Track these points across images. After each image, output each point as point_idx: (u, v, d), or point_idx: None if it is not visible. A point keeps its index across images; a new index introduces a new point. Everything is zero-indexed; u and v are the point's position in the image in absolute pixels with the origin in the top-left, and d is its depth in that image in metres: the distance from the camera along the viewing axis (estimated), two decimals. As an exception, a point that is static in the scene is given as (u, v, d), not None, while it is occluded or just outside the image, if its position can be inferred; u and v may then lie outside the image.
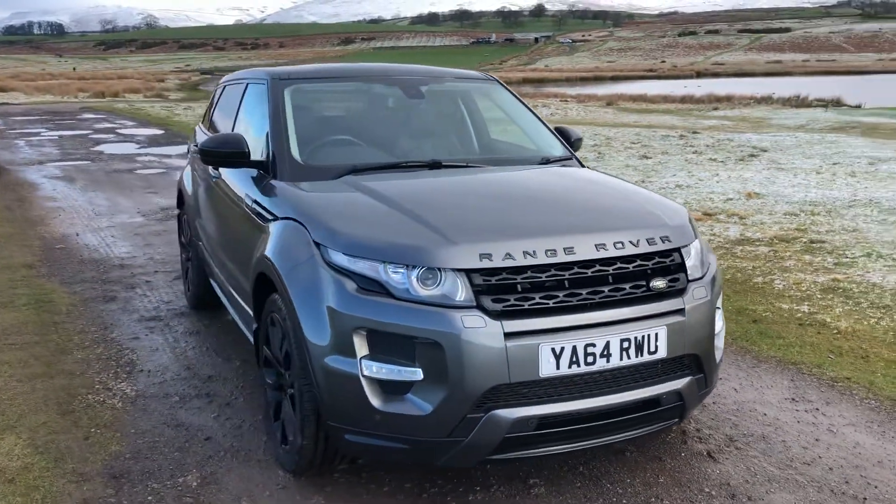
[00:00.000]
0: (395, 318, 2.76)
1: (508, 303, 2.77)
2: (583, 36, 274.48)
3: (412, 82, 4.42)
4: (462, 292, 2.76)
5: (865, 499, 3.05)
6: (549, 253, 2.85)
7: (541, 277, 2.82)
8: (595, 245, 2.93)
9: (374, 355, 2.81)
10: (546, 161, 4.06)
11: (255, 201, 3.66)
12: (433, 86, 4.50)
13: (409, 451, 2.86)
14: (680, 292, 3.03)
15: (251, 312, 3.74)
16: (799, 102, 46.56)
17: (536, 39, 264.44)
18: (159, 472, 3.32)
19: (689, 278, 3.08)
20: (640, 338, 2.88)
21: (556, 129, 4.46)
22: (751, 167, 13.49)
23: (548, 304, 2.80)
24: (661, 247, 3.05)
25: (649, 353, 2.91)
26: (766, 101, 45.26)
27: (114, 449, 3.51)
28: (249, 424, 3.78)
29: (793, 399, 3.99)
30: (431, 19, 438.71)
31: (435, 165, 3.76)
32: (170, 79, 72.65)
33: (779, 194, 10.46)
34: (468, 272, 2.78)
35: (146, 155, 15.59)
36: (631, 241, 2.99)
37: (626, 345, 2.86)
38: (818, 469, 3.29)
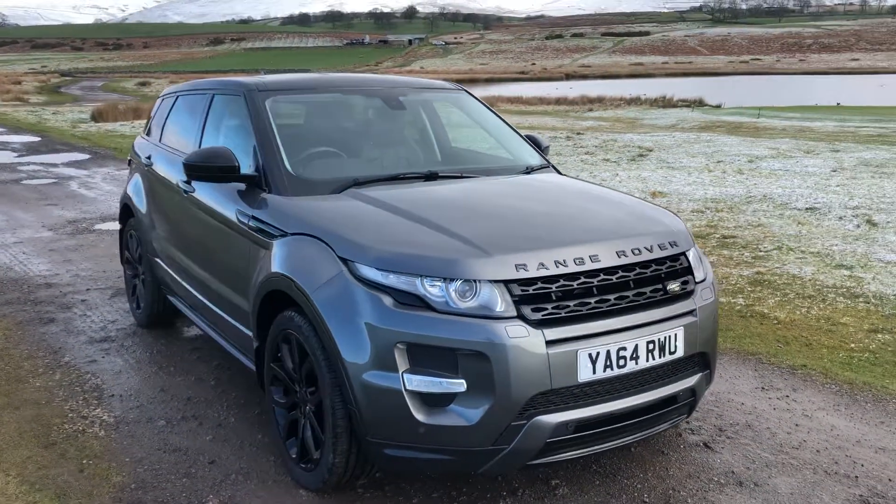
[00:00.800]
0: (437, 331, 2.79)
1: (546, 311, 2.85)
2: (455, 38, 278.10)
3: (391, 93, 4.43)
4: (502, 303, 2.82)
5: (857, 476, 3.34)
6: (577, 261, 2.96)
7: (572, 285, 2.93)
8: (616, 252, 3.06)
9: (414, 369, 2.83)
10: (529, 169, 4.17)
11: (253, 217, 3.57)
12: (411, 96, 4.53)
13: (453, 461, 2.89)
14: (690, 294, 3.22)
15: (249, 332, 3.66)
16: (665, 103, 49.13)
17: (410, 41, 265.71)
18: (174, 500, 3.20)
19: (696, 280, 3.27)
20: (662, 339, 3.04)
21: (527, 136, 4.59)
22: (644, 166, 14.16)
23: (581, 311, 2.91)
24: (670, 251, 3.22)
25: (669, 353, 3.07)
26: (635, 102, 47.45)
27: (116, 480, 3.35)
28: (250, 444, 3.70)
29: (763, 388, 4.28)
30: (303, 20, 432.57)
31: (431, 176, 3.80)
32: (27, 81, 68.24)
33: (680, 192, 11.04)
34: (506, 283, 2.85)
35: (29, 164, 14.67)
36: (646, 247, 3.14)
37: (651, 346, 3.01)
38: (807, 452, 3.56)
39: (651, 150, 16.78)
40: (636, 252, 3.11)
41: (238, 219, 3.69)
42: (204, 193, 4.11)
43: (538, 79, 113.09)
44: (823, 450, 3.57)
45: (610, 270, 3.01)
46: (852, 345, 4.96)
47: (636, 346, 2.96)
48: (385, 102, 4.40)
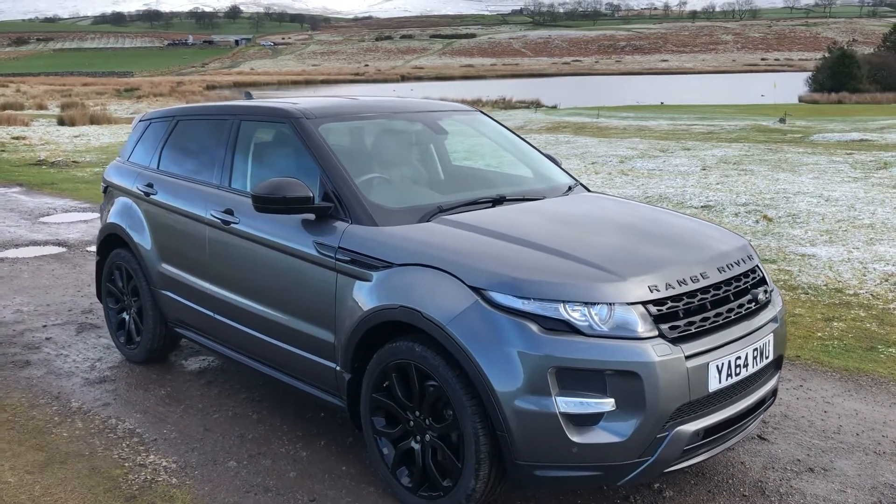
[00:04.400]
0: (588, 353, 2.93)
1: (680, 328, 3.07)
2: (283, 39, 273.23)
3: (430, 117, 4.48)
4: (643, 323, 3.00)
5: (902, 453, 3.80)
6: (693, 279, 3.20)
7: (693, 302, 3.16)
8: (717, 268, 3.33)
9: (564, 391, 2.95)
10: (569, 188, 4.36)
11: (342, 249, 3.53)
12: (447, 120, 4.59)
13: (600, 476, 3.04)
14: (769, 302, 3.54)
15: (332, 364, 3.61)
16: (506, 104, 51.01)
17: (237, 42, 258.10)
18: (304, 543, 3.13)
19: (770, 289, 3.60)
20: (761, 346, 3.34)
21: (547, 155, 4.78)
22: (534, 170, 14.70)
23: (706, 325, 3.14)
24: (750, 264, 3.53)
25: (765, 358, 3.38)
26: (477, 103, 48.89)
27: (230, 528, 3.22)
28: (337, 475, 3.65)
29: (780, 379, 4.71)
30: (117, 19, 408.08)
31: (499, 200, 3.90)
32: None
33: (582, 195, 11.62)
34: (644, 304, 3.03)
35: None
36: (735, 262, 3.43)
37: (755, 353, 3.30)
38: (849, 436, 3.99)
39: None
40: (731, 267, 3.39)
41: (318, 251, 3.62)
42: (255, 225, 3.97)
43: (374, 80, 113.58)
44: (861, 432, 4.02)
45: (717, 286, 3.27)
46: (819, 334, 5.54)
47: (746, 354, 3.24)
48: (428, 127, 4.44)
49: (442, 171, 4.49)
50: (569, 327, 2.96)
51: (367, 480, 3.60)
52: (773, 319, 3.49)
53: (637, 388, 2.93)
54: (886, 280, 6.78)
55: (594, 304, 2.99)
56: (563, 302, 2.99)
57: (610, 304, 3.00)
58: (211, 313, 4.38)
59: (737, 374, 3.20)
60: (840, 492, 3.47)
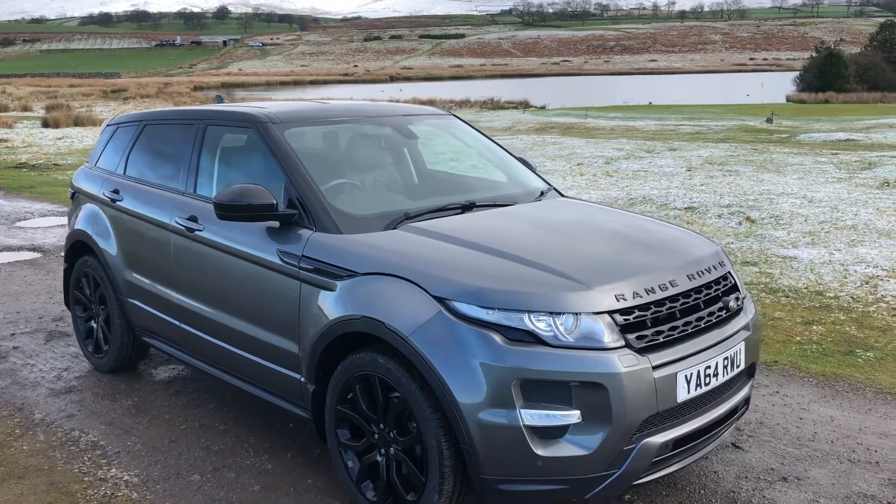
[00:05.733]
0: (552, 365, 2.86)
1: (647, 338, 3.00)
2: (272, 39, 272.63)
3: (400, 122, 4.41)
4: (609, 333, 2.93)
5: (877, 462, 3.75)
6: (662, 287, 3.13)
7: (661, 311, 3.09)
8: (687, 275, 3.26)
9: (529, 403, 2.88)
10: (541, 194, 4.30)
11: (305, 258, 3.45)
12: (417, 124, 4.51)
13: (566, 490, 2.97)
14: (741, 310, 3.48)
15: (296, 375, 3.53)
16: (494, 105, 51.07)
17: (225, 42, 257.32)
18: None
19: (742, 296, 3.54)
20: (732, 355, 3.28)
21: (520, 158, 4.71)
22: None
23: (674, 334, 3.08)
24: (721, 271, 3.47)
25: (736, 367, 3.32)
26: (465, 104, 48.94)
27: (188, 546, 3.14)
28: (304, 489, 3.57)
29: (755, 386, 4.66)
30: (104, 20, 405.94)
31: (469, 207, 3.83)
32: None
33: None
34: (610, 314, 2.96)
35: None
36: (706, 269, 3.37)
37: (726, 363, 3.24)
38: (823, 444, 3.94)
39: (508, 154, 17.33)
40: (701, 274, 3.32)
41: (282, 259, 3.54)
42: (219, 233, 3.89)
43: (363, 81, 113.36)
44: (836, 440, 3.97)
45: (686, 293, 3.21)
46: (797, 338, 5.49)
47: (716, 363, 3.18)
48: (398, 131, 4.37)
49: (414, 176, 4.42)
50: (534, 338, 2.90)
51: (333, 494, 3.52)
52: (745, 327, 3.43)
53: (603, 400, 2.87)
54: (867, 282, 6.75)
55: (560, 313, 2.92)
56: (528, 312, 2.92)
57: (576, 313, 2.93)
58: (177, 322, 4.29)
59: (707, 384, 3.14)
60: (813, 502, 3.41)
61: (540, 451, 2.87)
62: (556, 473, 2.91)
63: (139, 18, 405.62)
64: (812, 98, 52.51)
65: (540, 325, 2.91)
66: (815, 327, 5.69)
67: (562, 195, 4.46)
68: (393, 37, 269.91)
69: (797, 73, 67.08)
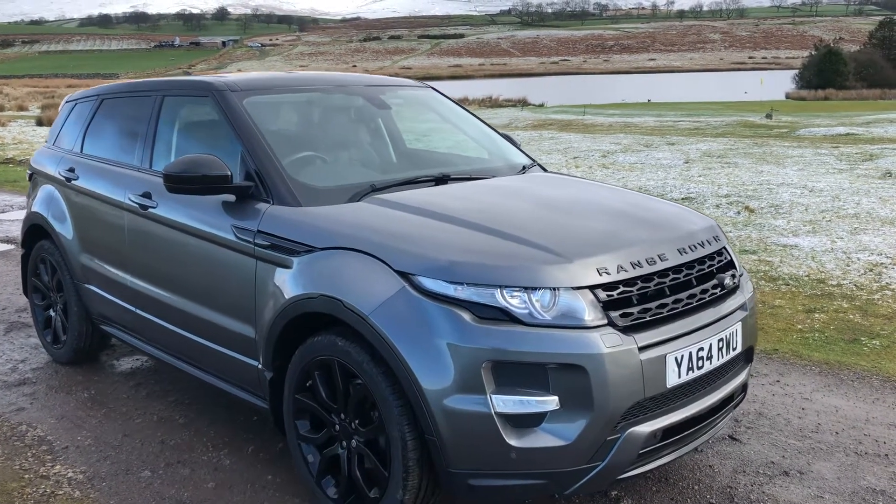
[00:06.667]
0: (528, 345, 2.57)
1: (633, 316, 2.70)
2: (271, 40, 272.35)
3: (372, 91, 4.11)
4: (590, 310, 2.64)
5: (886, 454, 3.45)
6: (650, 261, 2.84)
7: (649, 287, 2.80)
8: (678, 249, 2.97)
9: (501, 388, 2.59)
10: (524, 168, 4.01)
11: (261, 233, 3.16)
12: (391, 94, 4.22)
13: (544, 485, 2.67)
14: (737, 288, 3.18)
15: (253, 361, 3.24)
16: (493, 103, 51.00)
17: (224, 43, 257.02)
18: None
19: (738, 273, 3.24)
20: (728, 336, 2.98)
21: (503, 134, 4.42)
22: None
23: (663, 312, 2.78)
24: (716, 246, 3.17)
25: (732, 349, 3.02)
26: (464, 102, 48.74)
27: (128, 549, 2.84)
28: (262, 486, 3.28)
29: (751, 375, 4.36)
30: (103, 21, 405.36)
31: (442, 179, 3.54)
32: None
33: (561, 188, 11.28)
34: (591, 289, 2.67)
35: None
36: (699, 243, 3.08)
37: (721, 344, 2.94)
38: (828, 435, 3.64)
39: (507, 148, 17.06)
40: (693, 248, 3.03)
41: (237, 236, 3.25)
42: (173, 209, 3.60)
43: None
44: (841, 431, 3.68)
45: (677, 269, 2.92)
46: (799, 326, 5.20)
47: (710, 345, 2.89)
48: (369, 101, 4.07)
49: (386, 148, 4.12)
50: (506, 315, 2.60)
51: (293, 491, 3.23)
52: (742, 307, 3.13)
53: (584, 384, 2.57)
54: (870, 270, 6.45)
55: (535, 288, 2.63)
56: (501, 287, 2.62)
57: (553, 288, 2.64)
58: (133, 308, 4.00)
59: (699, 368, 2.84)
60: (817, 497, 3.12)
61: (513, 442, 2.58)
62: (531, 466, 2.62)
63: (138, 20, 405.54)
64: (812, 95, 52.20)
65: (514, 301, 2.62)
66: (817, 315, 5.40)
67: (546, 171, 4.17)
68: (392, 37, 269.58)
69: (796, 71, 66.83)
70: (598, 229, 3.02)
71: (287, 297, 3.00)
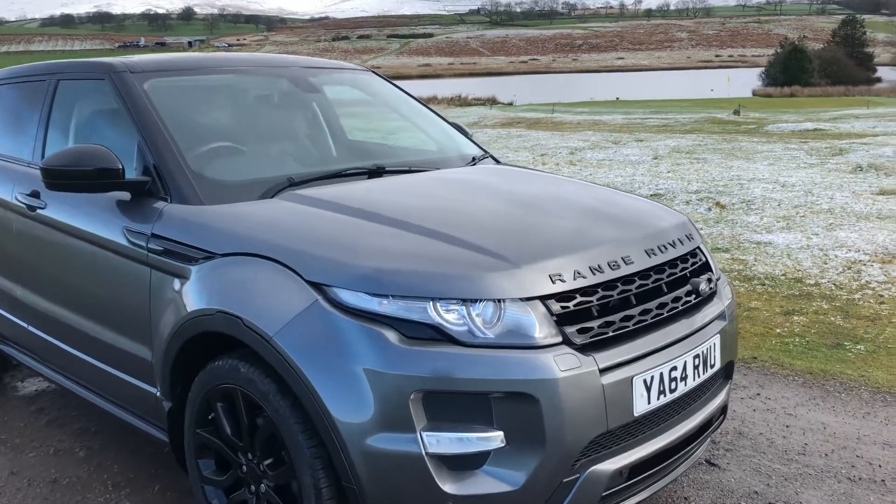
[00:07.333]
0: (465, 370, 2.11)
1: (593, 332, 2.25)
2: (238, 40, 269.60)
3: (299, 73, 3.62)
4: (542, 326, 2.18)
5: (883, 480, 3.04)
6: (612, 265, 2.39)
7: (612, 296, 2.35)
8: (646, 251, 2.52)
9: (434, 424, 2.13)
10: (473, 159, 3.55)
11: (155, 236, 2.66)
12: (321, 77, 3.74)
13: (488, 538, 2.21)
14: (715, 294, 2.75)
15: (153, 389, 2.75)
16: (462, 102, 50.82)
17: (190, 44, 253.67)
18: None
19: (715, 277, 2.81)
20: (704, 352, 2.55)
21: (452, 123, 3.96)
22: (478, 162, 13.94)
23: (628, 326, 2.34)
24: (690, 246, 2.74)
25: (710, 366, 2.59)
26: (433, 100, 48.35)
27: None
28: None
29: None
30: (66, 21, 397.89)
31: (376, 172, 3.06)
32: None
33: (526, 186, 10.86)
34: (543, 300, 2.21)
35: None
36: (670, 243, 2.64)
37: (696, 362, 2.51)
38: (816, 458, 3.23)
39: (471, 145, 16.69)
40: (664, 249, 2.59)
41: (129, 240, 2.75)
42: (63, 210, 3.09)
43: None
44: (831, 452, 3.26)
45: (644, 274, 2.47)
46: (778, 330, 4.81)
47: (684, 363, 2.45)
48: (296, 85, 3.58)
49: (320, 139, 3.64)
50: (440, 334, 2.14)
51: (200, 540, 2.73)
52: (721, 316, 2.70)
53: (534, 416, 2.11)
54: (849, 268, 6.09)
55: (476, 300, 2.17)
56: (434, 299, 2.16)
57: (497, 300, 2.18)
58: (24, 325, 3.47)
59: (672, 391, 2.40)
60: (809, 536, 2.69)
61: (449, 489, 2.11)
62: (472, 518, 2.15)
63: (102, 20, 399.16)
64: (778, 92, 52.59)
65: (449, 316, 2.16)
66: (796, 318, 5.01)
67: (498, 162, 3.72)
68: (361, 36, 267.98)
69: (763, 69, 67.32)
70: (552, 228, 2.57)
71: (183, 313, 2.51)
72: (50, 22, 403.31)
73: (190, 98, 3.33)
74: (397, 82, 4.09)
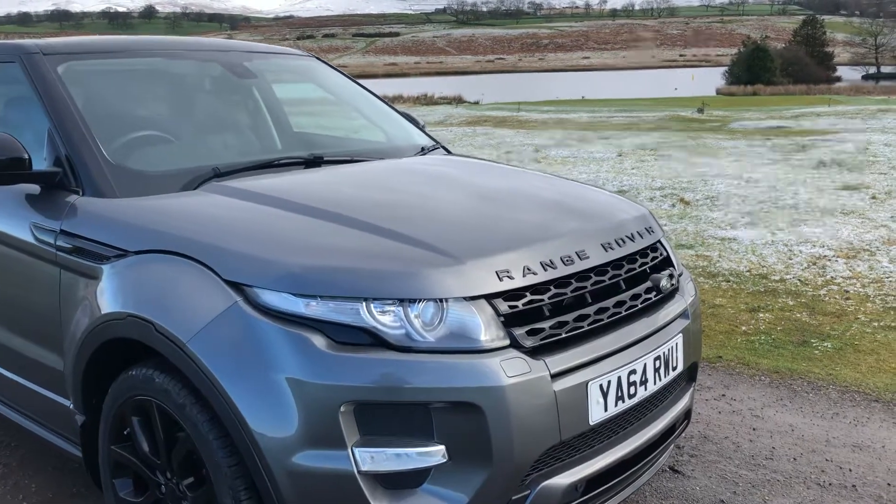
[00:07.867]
0: (402, 378, 1.90)
1: (544, 333, 2.05)
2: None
3: (232, 58, 3.37)
4: (488, 328, 1.98)
5: (854, 486, 2.88)
6: (566, 260, 2.19)
7: (566, 293, 2.15)
8: (602, 245, 2.33)
9: (367, 439, 1.91)
10: (423, 150, 3.33)
11: (64, 233, 2.41)
12: (258, 62, 3.49)
13: (430, 564, 2.00)
14: (677, 291, 2.57)
15: (65, 401, 2.49)
16: (428, 100, 50.69)
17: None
18: None
19: (677, 273, 2.63)
20: (666, 353, 2.36)
21: (403, 112, 3.74)
22: (441, 159, 13.75)
23: (583, 326, 2.14)
24: (650, 239, 2.55)
25: (672, 369, 2.41)
26: (398, 99, 48.08)
27: None
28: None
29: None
30: (23, 20, 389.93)
31: (314, 162, 2.83)
32: None
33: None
34: (489, 298, 2.00)
35: None
36: (628, 236, 2.45)
37: (657, 364, 2.32)
38: (784, 462, 3.06)
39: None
40: (621, 242, 2.40)
41: (36, 237, 2.50)
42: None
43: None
44: (799, 456, 3.10)
45: (600, 269, 2.27)
46: (743, 328, 4.66)
47: (644, 365, 2.26)
48: (228, 70, 3.33)
49: (260, 128, 3.40)
50: (374, 339, 1.92)
51: (118, 568, 2.48)
52: (683, 314, 2.52)
53: (479, 428, 1.91)
54: (814, 263, 5.99)
55: (414, 300, 1.95)
56: (367, 300, 1.94)
57: (439, 300, 1.97)
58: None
59: (631, 396, 2.21)
60: (778, 548, 2.52)
61: (384, 511, 1.90)
62: (410, 542, 1.94)
63: (60, 18, 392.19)
64: (741, 90, 53.07)
65: (385, 318, 1.94)
66: (761, 315, 4.87)
67: (450, 153, 3.51)
68: (326, 35, 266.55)
69: (726, 68, 68.07)
70: (501, 221, 2.36)
71: (93, 317, 2.26)
72: (7, 20, 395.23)
73: (110, 83, 3.06)
74: (363, 81, 3.87)
